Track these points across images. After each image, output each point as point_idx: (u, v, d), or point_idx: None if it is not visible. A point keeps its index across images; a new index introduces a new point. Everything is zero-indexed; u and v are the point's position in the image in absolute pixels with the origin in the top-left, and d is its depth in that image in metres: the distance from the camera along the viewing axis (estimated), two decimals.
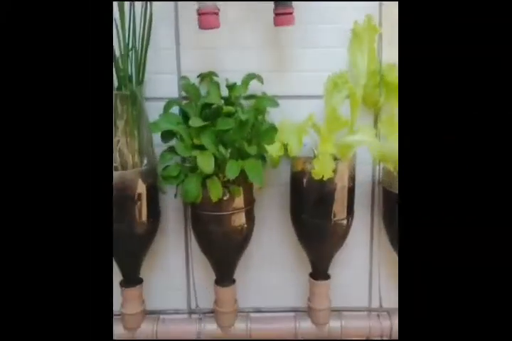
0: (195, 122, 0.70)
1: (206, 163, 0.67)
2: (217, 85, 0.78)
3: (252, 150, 0.70)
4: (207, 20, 0.67)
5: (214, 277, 0.86)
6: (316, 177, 0.70)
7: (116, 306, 0.87)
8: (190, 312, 0.93)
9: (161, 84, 0.82)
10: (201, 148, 0.71)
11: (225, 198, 0.74)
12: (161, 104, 0.79)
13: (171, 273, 0.91)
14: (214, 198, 0.71)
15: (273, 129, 0.75)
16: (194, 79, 0.81)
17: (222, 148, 0.70)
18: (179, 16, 0.80)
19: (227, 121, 0.70)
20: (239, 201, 0.77)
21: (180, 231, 0.89)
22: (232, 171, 0.68)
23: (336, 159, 0.76)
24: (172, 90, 0.83)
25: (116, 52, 0.73)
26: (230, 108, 0.72)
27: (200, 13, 0.68)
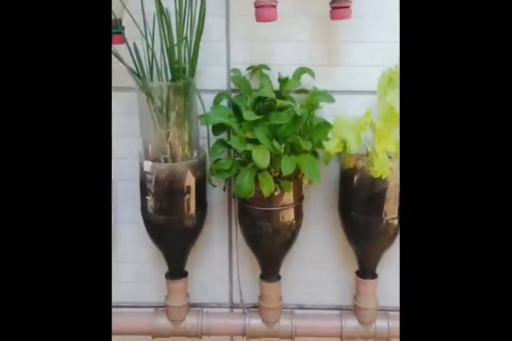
0: (249, 116, 0.69)
1: (261, 158, 0.66)
2: (269, 78, 0.77)
3: (307, 145, 0.68)
4: (264, 12, 0.66)
5: (258, 272, 0.86)
6: (375, 176, 0.69)
7: (161, 298, 0.89)
8: (232, 306, 0.93)
9: (209, 76, 0.81)
10: (254, 142, 0.70)
11: (275, 193, 0.73)
12: (208, 96, 0.78)
13: (213, 267, 0.91)
14: (266, 193, 0.70)
15: (326, 125, 0.73)
16: (243, 72, 0.80)
17: (276, 143, 0.69)
18: (230, 8, 0.79)
19: (281, 116, 0.69)
20: (289, 197, 0.76)
21: (224, 224, 0.89)
22: (287, 167, 0.67)
23: (389, 157, 0.74)
24: (220, 82, 0.82)
25: (166, 43, 0.73)
26: (283, 102, 0.71)
27: (258, 6, 0.66)
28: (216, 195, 0.85)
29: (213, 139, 0.78)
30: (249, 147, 0.68)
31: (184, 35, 0.71)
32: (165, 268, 0.85)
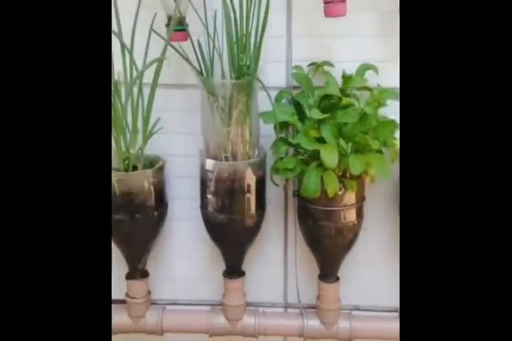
0: (316, 114, 0.67)
1: (330, 157, 0.65)
2: (333, 76, 0.75)
3: (375, 144, 0.66)
4: (334, 8, 0.64)
5: (314, 272, 0.84)
6: None
7: (218, 296, 0.88)
8: (287, 306, 0.92)
9: (267, 73, 0.79)
10: (319, 140, 0.69)
11: (339, 193, 0.72)
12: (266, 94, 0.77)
13: (268, 266, 0.90)
14: (331, 193, 0.69)
15: (393, 123, 0.71)
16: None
17: (342, 142, 0.67)
18: (292, 3, 0.78)
19: (348, 114, 0.67)
20: (351, 196, 0.74)
21: (280, 223, 0.87)
22: (356, 166, 0.65)
23: None
24: (278, 80, 0.80)
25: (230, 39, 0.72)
26: (349, 100, 0.69)
27: (327, 1, 0.65)
28: (271, 194, 0.84)
29: (270, 137, 0.78)
30: (317, 146, 0.66)
31: (246, 31, 0.70)
32: (221, 267, 0.85)
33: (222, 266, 0.85)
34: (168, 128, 0.79)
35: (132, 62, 0.70)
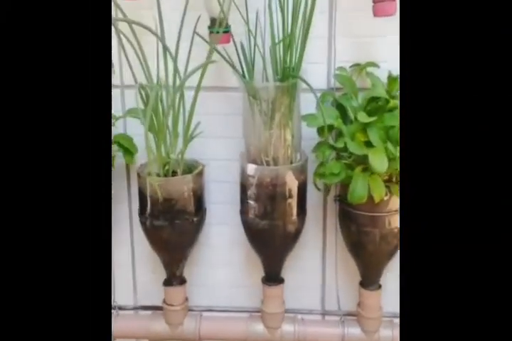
0: (363, 117, 0.65)
1: (379, 162, 0.63)
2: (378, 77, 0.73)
3: None
4: (384, 7, 0.62)
5: (353, 278, 0.83)
6: None
7: (255, 303, 0.86)
8: (324, 313, 0.90)
9: (308, 74, 0.76)
10: (366, 144, 0.67)
11: (385, 198, 0.70)
12: (306, 96, 0.74)
13: (306, 272, 0.88)
14: (377, 198, 0.67)
15: None
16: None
17: (390, 145, 0.65)
18: (334, 2, 0.76)
19: (396, 117, 0.65)
20: (396, 201, 0.72)
21: (318, 229, 0.86)
22: None
23: None
24: (319, 81, 0.78)
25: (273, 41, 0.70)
26: (396, 102, 0.67)
27: (377, 1, 0.63)
28: (309, 198, 0.82)
29: (311, 140, 0.76)
30: (365, 150, 0.64)
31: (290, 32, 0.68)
32: (258, 272, 0.83)
33: (259, 272, 0.83)
34: (206, 132, 0.78)
35: (176, 66, 0.68)
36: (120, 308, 0.88)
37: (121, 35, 0.67)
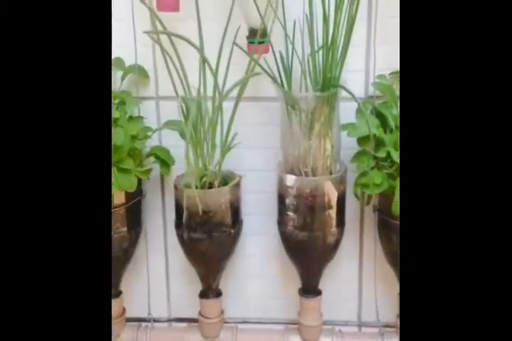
0: None
1: None
2: None
3: None
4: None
5: (390, 289, 0.81)
6: None
7: (290, 315, 0.85)
8: (361, 324, 0.88)
9: (345, 82, 0.74)
10: None
11: None
12: (344, 104, 0.73)
13: (342, 283, 0.86)
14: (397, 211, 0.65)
15: None
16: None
17: None
18: (372, 10, 0.74)
19: None
20: None
21: (355, 238, 0.84)
22: None
23: None
24: (357, 89, 0.75)
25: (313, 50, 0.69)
26: None
27: None
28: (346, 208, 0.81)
29: (349, 149, 0.75)
30: None
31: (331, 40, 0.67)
32: (294, 284, 0.82)
33: (295, 283, 0.82)
34: (241, 143, 0.77)
35: (216, 81, 0.68)
36: (154, 320, 0.87)
37: (159, 47, 0.67)
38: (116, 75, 0.75)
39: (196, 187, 0.72)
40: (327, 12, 0.66)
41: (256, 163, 0.80)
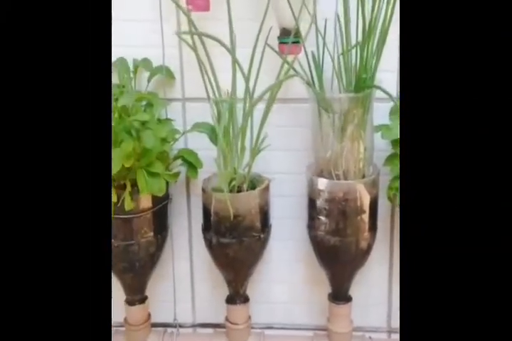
0: None
1: None
2: None
3: None
4: None
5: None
6: None
7: (318, 321, 0.84)
8: (390, 330, 0.86)
9: (379, 83, 0.72)
10: None
11: None
12: (378, 105, 0.72)
13: (372, 288, 0.85)
14: None
15: None
16: None
17: None
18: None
19: None
20: None
21: (385, 243, 0.82)
22: None
23: None
24: (390, 89, 0.72)
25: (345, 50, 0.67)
26: None
27: None
28: None
29: (382, 152, 0.73)
30: None
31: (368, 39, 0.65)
32: (322, 289, 0.81)
33: (323, 289, 0.80)
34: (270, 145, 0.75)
35: (248, 86, 0.66)
36: (180, 326, 0.86)
37: (189, 48, 0.65)
38: (142, 76, 0.74)
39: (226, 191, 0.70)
40: (362, 11, 0.64)
41: (284, 165, 0.79)
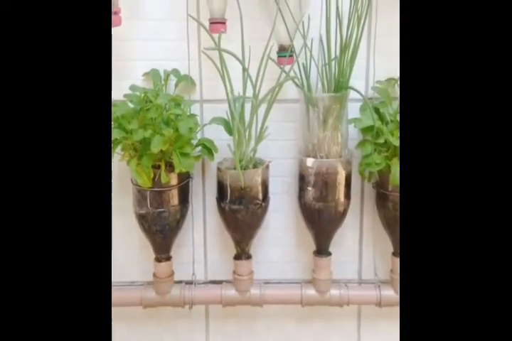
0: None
1: None
2: None
3: None
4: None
5: (386, 250, 1.01)
6: None
7: (306, 275, 1.05)
8: (361, 282, 1.08)
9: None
10: None
11: None
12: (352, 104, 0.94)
13: (345, 249, 1.06)
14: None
15: None
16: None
17: None
18: (373, 31, 0.95)
19: None
20: None
21: (357, 211, 1.04)
22: None
23: None
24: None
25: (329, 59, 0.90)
26: None
27: None
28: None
29: (355, 139, 0.96)
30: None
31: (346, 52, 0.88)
32: (307, 250, 1.02)
33: (309, 250, 1.02)
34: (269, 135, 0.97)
35: (255, 91, 0.88)
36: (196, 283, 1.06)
37: (209, 60, 0.87)
38: (171, 83, 0.95)
39: (235, 169, 0.92)
40: (340, 31, 0.87)
41: (280, 151, 1.00)
